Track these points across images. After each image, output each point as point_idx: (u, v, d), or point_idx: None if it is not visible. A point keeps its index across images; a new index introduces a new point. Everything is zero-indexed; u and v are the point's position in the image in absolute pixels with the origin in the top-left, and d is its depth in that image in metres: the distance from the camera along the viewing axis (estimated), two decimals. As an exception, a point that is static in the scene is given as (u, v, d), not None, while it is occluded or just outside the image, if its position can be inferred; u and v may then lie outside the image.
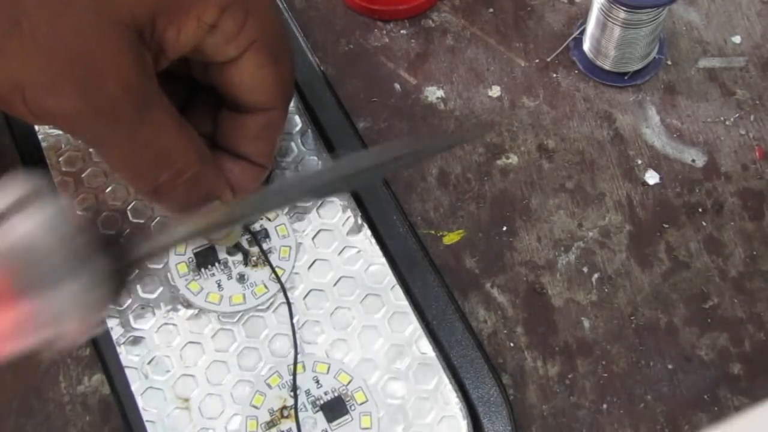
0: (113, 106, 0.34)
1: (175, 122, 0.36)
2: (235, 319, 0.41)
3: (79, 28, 0.33)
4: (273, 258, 0.42)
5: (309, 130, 0.45)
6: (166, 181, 0.36)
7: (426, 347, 0.40)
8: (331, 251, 0.42)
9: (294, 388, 0.39)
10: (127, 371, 0.40)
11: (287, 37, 0.40)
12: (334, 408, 0.39)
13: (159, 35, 0.35)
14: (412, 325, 0.41)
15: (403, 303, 0.41)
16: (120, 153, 0.36)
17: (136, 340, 0.41)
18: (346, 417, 0.39)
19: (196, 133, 0.37)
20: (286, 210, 0.43)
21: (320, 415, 0.39)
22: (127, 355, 0.40)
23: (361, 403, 0.39)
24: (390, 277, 0.42)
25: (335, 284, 0.42)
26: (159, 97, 0.35)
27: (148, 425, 0.39)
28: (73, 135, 0.37)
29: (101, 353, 0.41)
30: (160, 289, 0.42)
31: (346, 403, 0.39)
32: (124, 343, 0.41)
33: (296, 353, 0.40)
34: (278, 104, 0.39)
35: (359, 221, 0.43)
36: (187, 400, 0.39)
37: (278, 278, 0.41)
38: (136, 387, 0.40)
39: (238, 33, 0.36)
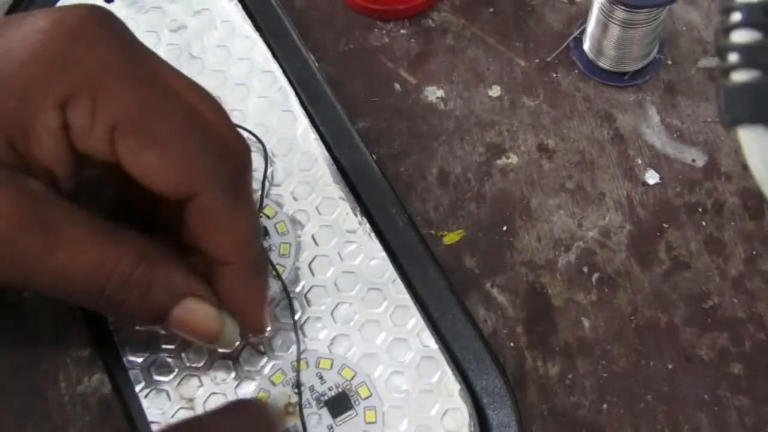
0: (11, 248, 0.33)
1: (97, 234, 0.34)
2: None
3: None
4: (273, 255, 0.42)
5: (308, 129, 0.45)
6: (112, 293, 0.34)
7: (428, 340, 0.40)
8: (331, 247, 0.42)
9: (298, 384, 0.39)
10: (131, 372, 0.40)
11: (182, 113, 0.35)
12: (339, 403, 0.39)
13: (27, 157, 0.34)
14: (414, 318, 0.41)
15: (405, 296, 0.41)
16: (46, 285, 0.34)
17: (138, 341, 0.40)
18: (351, 412, 0.39)
19: (136, 234, 0.35)
20: (285, 206, 0.43)
21: (325, 411, 0.39)
22: (130, 356, 0.40)
23: (366, 398, 0.39)
24: (391, 271, 0.42)
25: (336, 280, 0.42)
26: (66, 216, 0.34)
27: (153, 426, 0.39)
28: None
29: (104, 355, 0.41)
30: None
31: (351, 398, 0.39)
32: (126, 344, 0.40)
33: (299, 349, 0.40)
34: (192, 187, 0.35)
35: (358, 216, 0.43)
36: (191, 399, 0.39)
37: (279, 275, 0.41)
38: (140, 388, 0.40)
39: (92, 124, 0.33)
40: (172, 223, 0.38)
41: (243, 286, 0.37)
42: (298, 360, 0.40)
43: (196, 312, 0.36)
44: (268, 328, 0.39)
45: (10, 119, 0.33)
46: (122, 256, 0.34)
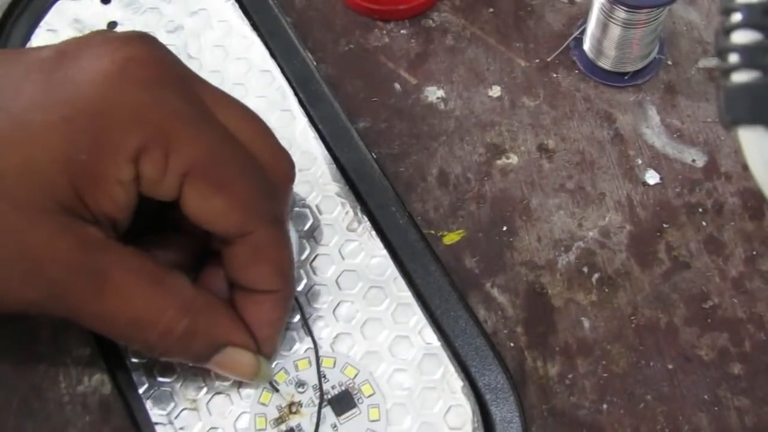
0: (64, 289, 0.34)
1: (145, 283, 0.35)
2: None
3: (6, 228, 0.33)
4: None
5: (307, 128, 0.45)
6: (155, 341, 0.35)
7: (431, 337, 0.40)
8: (331, 246, 0.42)
9: (320, 381, 0.39)
10: (134, 374, 0.40)
11: (241, 156, 0.36)
12: (342, 402, 0.39)
13: (92, 205, 0.34)
14: (416, 316, 0.41)
15: (406, 294, 0.41)
16: (93, 325, 0.36)
17: None
18: (354, 410, 0.39)
19: (184, 283, 0.36)
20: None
21: (328, 410, 0.39)
22: (132, 358, 0.40)
23: (369, 396, 0.39)
24: (392, 269, 0.42)
25: (337, 278, 0.42)
26: (118, 265, 0.35)
27: (157, 427, 0.39)
28: (49, 317, 0.36)
29: (107, 356, 0.41)
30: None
31: (354, 397, 0.39)
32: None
33: (316, 348, 0.40)
34: (249, 227, 0.36)
35: (359, 214, 0.43)
36: (195, 400, 0.39)
37: None
38: (143, 389, 0.40)
39: (164, 174, 0.34)
40: (185, 225, 0.38)
41: (275, 312, 0.38)
42: (317, 357, 0.40)
43: (235, 359, 0.38)
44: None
45: (80, 170, 0.33)
46: (167, 309, 0.35)
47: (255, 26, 0.48)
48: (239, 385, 0.39)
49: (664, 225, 0.45)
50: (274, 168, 0.38)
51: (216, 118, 0.36)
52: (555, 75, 0.49)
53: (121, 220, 0.35)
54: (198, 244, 0.39)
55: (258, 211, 0.36)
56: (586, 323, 0.42)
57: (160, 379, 0.40)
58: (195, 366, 0.40)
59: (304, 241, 0.42)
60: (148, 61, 0.35)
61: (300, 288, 0.41)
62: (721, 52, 0.31)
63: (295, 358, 0.40)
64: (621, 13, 0.45)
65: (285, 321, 0.39)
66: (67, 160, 0.33)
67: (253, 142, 0.37)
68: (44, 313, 0.35)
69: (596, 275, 0.43)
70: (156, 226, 0.39)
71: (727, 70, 0.31)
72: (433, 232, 0.45)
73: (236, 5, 0.49)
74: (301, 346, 0.40)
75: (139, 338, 0.36)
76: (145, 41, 0.36)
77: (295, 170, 0.39)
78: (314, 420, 0.38)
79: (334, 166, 0.44)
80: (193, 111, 0.35)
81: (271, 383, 0.40)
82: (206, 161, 0.35)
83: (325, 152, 0.45)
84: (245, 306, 0.38)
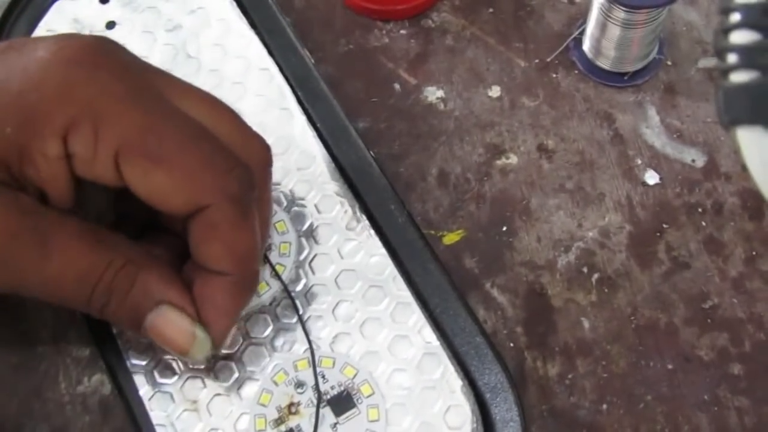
0: (5, 257, 0.34)
1: (86, 240, 0.35)
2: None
3: None
4: (273, 255, 0.42)
5: (306, 127, 0.45)
6: (97, 297, 0.35)
7: (430, 336, 0.40)
8: (331, 245, 0.42)
9: (316, 380, 0.39)
10: (134, 376, 0.40)
11: (187, 129, 0.35)
12: (341, 402, 0.39)
13: (21, 176, 0.34)
14: (416, 315, 0.41)
15: (405, 293, 0.41)
16: (39, 291, 0.35)
17: (141, 345, 0.40)
18: (354, 410, 0.39)
19: (126, 241, 0.36)
20: (285, 205, 0.43)
21: (328, 410, 0.39)
22: (133, 360, 0.40)
23: (368, 396, 0.39)
24: (391, 268, 0.42)
25: (336, 278, 0.42)
26: (57, 225, 0.35)
27: (157, 428, 0.39)
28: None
29: (107, 358, 0.41)
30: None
31: (353, 397, 0.39)
32: (130, 348, 0.40)
33: (312, 347, 0.40)
34: (201, 200, 0.35)
35: (357, 213, 0.43)
36: (195, 401, 0.39)
37: (278, 275, 0.41)
38: (144, 391, 0.40)
39: (95, 151, 0.33)
40: (172, 227, 0.38)
41: (225, 297, 0.37)
42: (313, 357, 0.40)
43: (169, 320, 0.36)
44: (223, 349, 0.39)
45: (4, 144, 0.34)
46: (110, 261, 0.35)
47: (253, 25, 0.48)
48: (239, 386, 0.39)
49: (664, 225, 0.45)
50: (246, 150, 0.37)
51: (162, 98, 0.35)
52: (555, 75, 0.49)
53: (55, 199, 0.35)
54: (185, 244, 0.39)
55: (211, 184, 0.35)
56: (586, 323, 0.42)
57: (161, 381, 0.40)
58: (193, 368, 0.40)
59: (303, 240, 0.42)
60: (82, 48, 0.35)
61: (299, 288, 0.41)
62: (720, 52, 0.31)
63: (294, 359, 0.40)
64: (620, 14, 0.45)
65: (238, 310, 0.38)
66: None
67: (219, 125, 0.36)
68: None
69: (596, 275, 0.43)
70: (143, 235, 0.39)
71: (726, 70, 0.31)
72: (432, 232, 0.45)
73: (234, 3, 0.49)
74: (300, 347, 0.40)
75: (85, 296, 0.35)
76: (88, 36, 0.36)
77: (271, 153, 0.38)
78: (313, 420, 0.38)
79: (333, 165, 0.44)
80: (128, 89, 0.35)
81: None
82: (140, 136, 0.34)
83: (324, 151, 0.45)
84: (196, 282, 0.37)
